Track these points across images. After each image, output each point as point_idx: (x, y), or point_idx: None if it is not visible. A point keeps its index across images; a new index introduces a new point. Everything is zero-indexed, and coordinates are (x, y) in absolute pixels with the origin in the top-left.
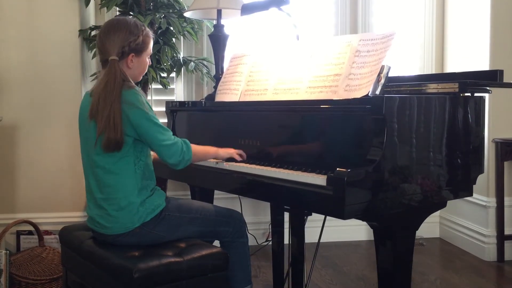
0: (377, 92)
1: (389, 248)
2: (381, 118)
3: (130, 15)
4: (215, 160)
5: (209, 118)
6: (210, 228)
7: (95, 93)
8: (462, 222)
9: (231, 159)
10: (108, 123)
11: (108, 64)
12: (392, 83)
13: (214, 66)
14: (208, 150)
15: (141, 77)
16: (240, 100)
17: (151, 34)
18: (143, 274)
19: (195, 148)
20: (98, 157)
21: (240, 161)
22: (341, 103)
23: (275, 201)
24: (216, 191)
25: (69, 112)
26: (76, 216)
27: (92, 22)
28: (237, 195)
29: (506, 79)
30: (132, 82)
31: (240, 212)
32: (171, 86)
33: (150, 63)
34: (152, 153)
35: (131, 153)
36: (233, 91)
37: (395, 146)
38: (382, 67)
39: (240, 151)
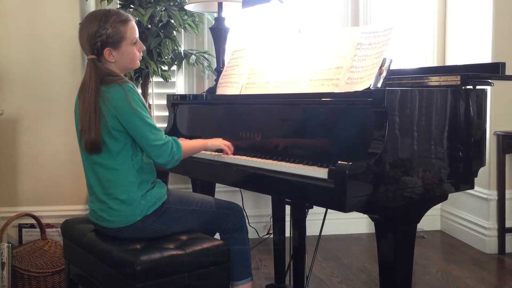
0: (379, 85)
1: (390, 241)
2: (383, 111)
3: (131, 8)
4: (213, 153)
5: (210, 111)
6: (211, 221)
7: (78, 94)
8: (463, 215)
9: (220, 151)
10: (85, 125)
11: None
12: (394, 76)
13: (215, 59)
14: (196, 145)
15: (136, 65)
16: (241, 93)
17: (128, 19)
18: (145, 267)
19: (184, 145)
20: (95, 154)
21: (243, 154)
22: (343, 96)
23: (277, 194)
24: (217, 184)
25: (70, 105)
26: (77, 209)
27: None
28: (238, 188)
29: (508, 72)
30: (120, 75)
31: (242, 205)
32: (172, 79)
33: (144, 48)
34: None
35: (128, 148)
36: (234, 84)
37: (396, 139)
38: (384, 60)
39: (228, 143)
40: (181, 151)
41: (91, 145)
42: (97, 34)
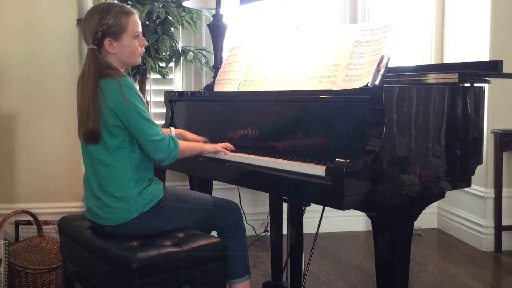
0: (377, 82)
1: (387, 239)
2: (381, 108)
3: (129, 4)
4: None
5: (208, 108)
6: (208, 218)
7: (77, 83)
8: (460, 213)
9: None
10: (84, 114)
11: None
12: (392, 73)
13: (213, 56)
14: (194, 146)
15: (137, 60)
16: (239, 90)
17: (130, 11)
18: (142, 264)
19: (182, 144)
20: (93, 149)
21: (240, 152)
22: (341, 93)
23: (274, 191)
24: (215, 182)
25: (67, 102)
26: (74, 206)
27: None
28: (236, 186)
29: (506, 70)
30: (119, 69)
31: (239, 202)
32: (170, 76)
33: (146, 43)
34: None
35: (126, 144)
36: (232, 81)
37: (394, 137)
38: (382, 57)
39: (226, 144)
40: (178, 149)
41: (89, 135)
42: (99, 24)
